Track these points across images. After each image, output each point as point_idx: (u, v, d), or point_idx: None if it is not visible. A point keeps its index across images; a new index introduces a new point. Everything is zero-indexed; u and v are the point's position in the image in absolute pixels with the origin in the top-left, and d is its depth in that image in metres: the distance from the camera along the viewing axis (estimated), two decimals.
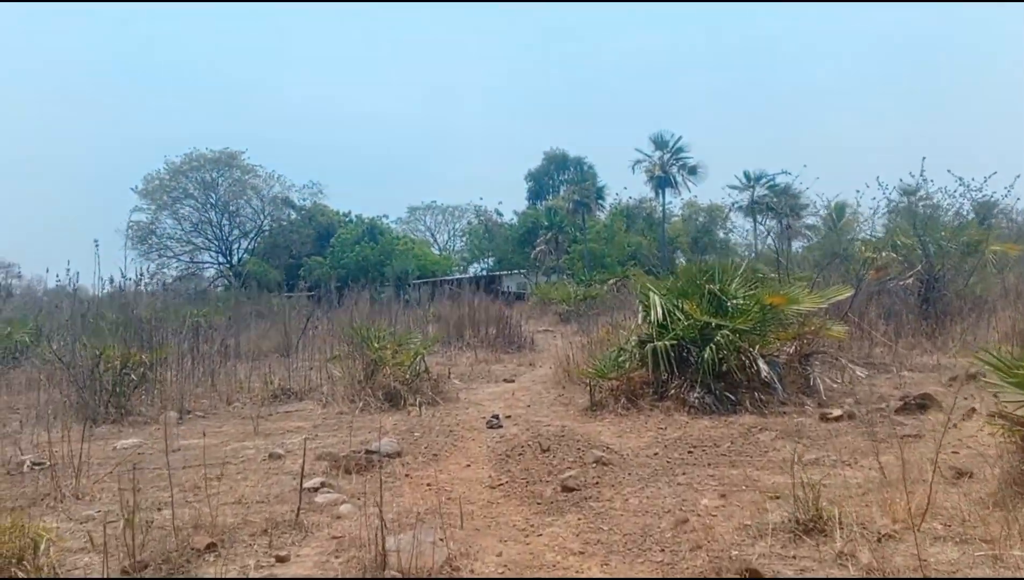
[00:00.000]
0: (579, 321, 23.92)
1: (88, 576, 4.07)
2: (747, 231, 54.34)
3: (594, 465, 6.50)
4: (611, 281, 35.22)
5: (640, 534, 4.92)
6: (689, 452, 7.04)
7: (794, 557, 4.32)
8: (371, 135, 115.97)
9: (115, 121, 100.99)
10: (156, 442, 8.16)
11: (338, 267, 48.73)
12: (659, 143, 53.93)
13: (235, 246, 52.69)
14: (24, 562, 4.03)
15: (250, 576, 4.18)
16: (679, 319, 9.67)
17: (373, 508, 5.52)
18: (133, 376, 9.62)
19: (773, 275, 13.10)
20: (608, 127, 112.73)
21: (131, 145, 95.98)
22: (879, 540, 4.48)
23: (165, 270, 49.63)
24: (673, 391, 9.17)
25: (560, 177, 65.21)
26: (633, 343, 9.91)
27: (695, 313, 9.38)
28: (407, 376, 10.31)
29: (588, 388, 9.60)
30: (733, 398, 8.99)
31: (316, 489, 5.93)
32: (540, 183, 65.62)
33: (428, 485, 6.26)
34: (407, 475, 6.56)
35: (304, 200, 54.51)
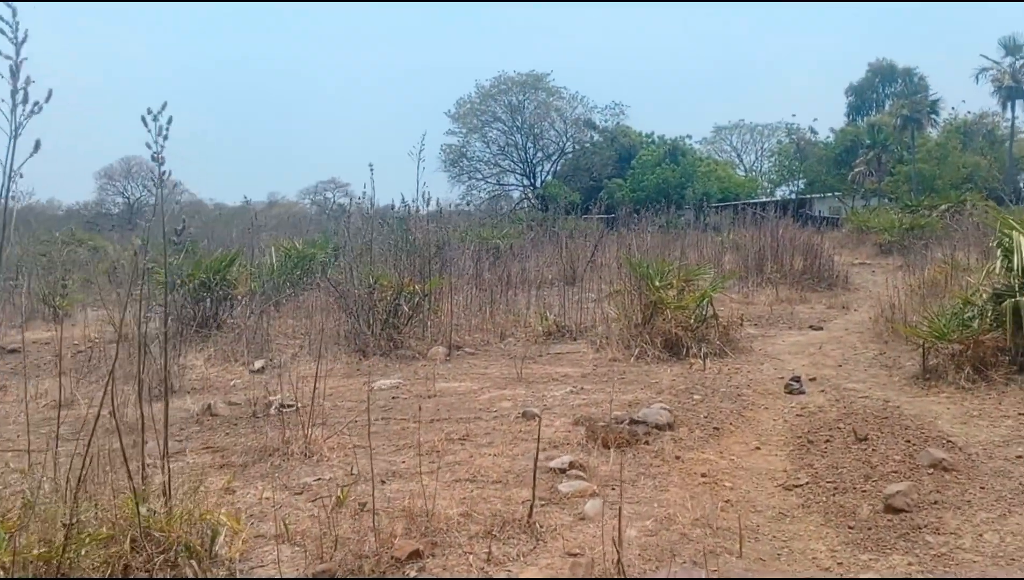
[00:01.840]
0: (904, 254, 20.60)
1: None
2: None
3: (930, 471, 4.74)
4: (943, 208, 30.34)
5: None
6: None
7: None
8: (677, 53, 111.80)
9: (434, 50, 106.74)
10: (416, 383, 7.62)
11: (638, 190, 47.54)
12: (1010, 48, 45.68)
13: (538, 169, 53.44)
14: (193, 558, 3.37)
15: None
16: None
17: (628, 507, 4.36)
18: (406, 307, 9.22)
19: None
20: (944, 33, 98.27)
21: (449, 73, 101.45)
22: None
23: (475, 192, 51.88)
24: None
25: (886, 91, 57.97)
26: (985, 297, 7.63)
27: None
28: (691, 321, 8.90)
29: (920, 350, 7.56)
30: None
31: (563, 470, 4.86)
32: (862, 97, 58.89)
33: (703, 476, 4.93)
34: (677, 457, 5.27)
35: (606, 121, 53.67)
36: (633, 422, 5.71)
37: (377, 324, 9.01)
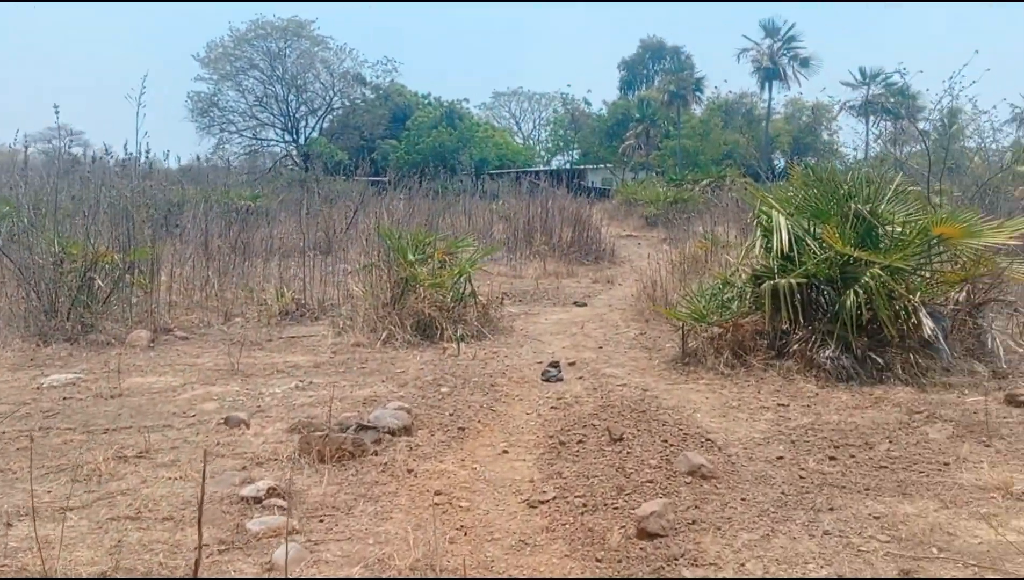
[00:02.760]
0: (668, 227, 21.45)
1: None
2: (857, 133, 50.14)
3: (688, 480, 4.36)
4: (704, 182, 32.31)
5: None
6: (831, 458, 4.81)
7: None
8: (453, 12, 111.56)
9: None
10: (102, 377, 6.35)
11: (413, 152, 46.69)
12: (769, 29, 49.77)
13: (302, 124, 50.60)
14: None
15: None
16: (810, 249, 7.29)
17: (335, 547, 3.58)
18: (100, 282, 7.78)
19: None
20: (711, 13, 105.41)
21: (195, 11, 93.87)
22: None
23: (228, 146, 48.31)
24: (796, 347, 6.89)
25: (656, 67, 61.11)
26: (744, 278, 7.59)
27: (836, 243, 6.96)
28: (447, 300, 8.25)
29: (680, 332, 7.39)
30: (880, 361, 6.67)
31: (259, 499, 3.97)
32: (633, 72, 61.68)
33: (437, 494, 4.24)
34: (410, 470, 4.55)
35: (377, 77, 51.86)
36: (361, 427, 4.92)
37: (65, 302, 7.53)
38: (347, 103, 50.36)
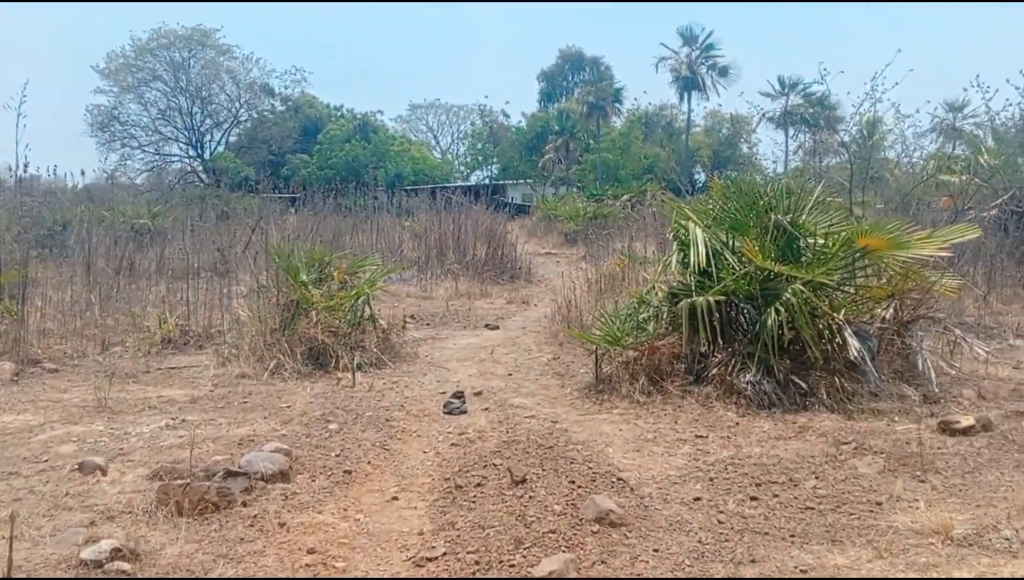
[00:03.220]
0: (587, 244, 21.33)
1: None
2: (777, 144, 51.26)
3: (595, 529, 4.02)
4: (625, 197, 32.48)
5: None
6: (752, 498, 4.54)
7: None
8: (368, 23, 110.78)
9: None
10: None
11: (325, 167, 45.71)
12: (687, 38, 50.46)
13: (207, 138, 49.05)
14: None
15: None
16: (729, 264, 7.11)
17: None
18: None
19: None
20: (630, 24, 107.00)
21: (95, 18, 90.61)
22: None
23: (130, 162, 46.57)
24: (715, 371, 6.68)
25: (575, 78, 61.46)
26: (661, 297, 7.36)
27: (755, 257, 6.78)
28: (343, 325, 7.80)
29: (594, 357, 7.11)
30: (803, 385, 6.50)
31: (100, 564, 3.49)
32: (553, 84, 61.91)
33: (311, 552, 3.81)
34: (282, 523, 4.10)
35: (286, 88, 50.67)
36: (229, 474, 4.45)
37: None
38: (255, 115, 49.06)
